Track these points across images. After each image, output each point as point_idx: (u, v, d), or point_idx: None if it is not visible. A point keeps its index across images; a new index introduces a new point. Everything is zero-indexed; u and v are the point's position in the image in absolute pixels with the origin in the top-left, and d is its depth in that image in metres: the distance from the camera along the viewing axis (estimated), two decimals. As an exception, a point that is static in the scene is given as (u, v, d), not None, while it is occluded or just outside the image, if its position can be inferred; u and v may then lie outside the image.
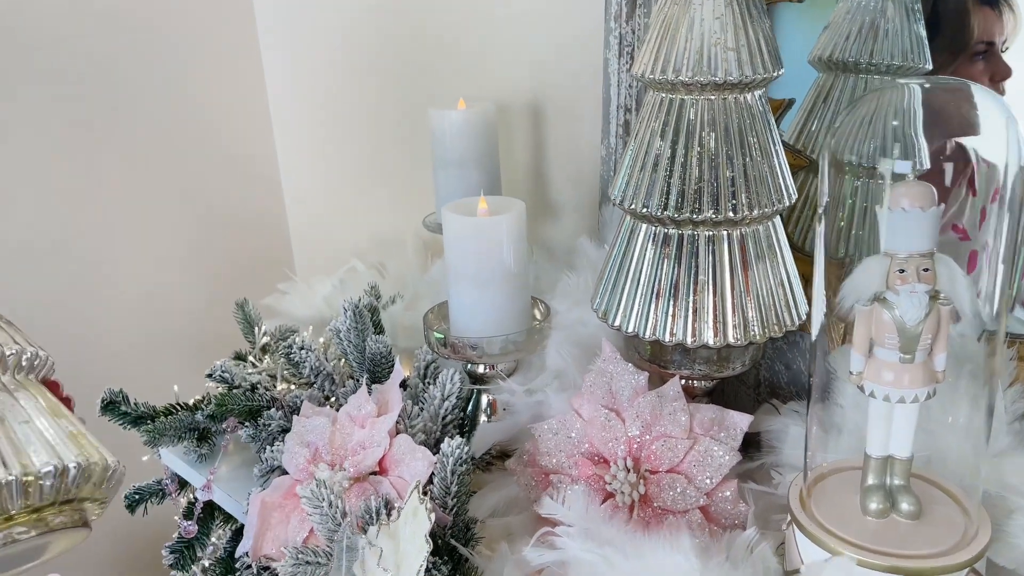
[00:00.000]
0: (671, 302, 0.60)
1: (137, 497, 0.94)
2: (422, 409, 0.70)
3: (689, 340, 0.60)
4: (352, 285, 1.04)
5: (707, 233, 0.59)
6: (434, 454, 0.68)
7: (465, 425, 0.74)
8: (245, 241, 1.37)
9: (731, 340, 0.59)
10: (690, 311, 0.60)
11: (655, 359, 0.66)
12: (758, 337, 0.60)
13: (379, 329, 0.82)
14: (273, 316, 1.11)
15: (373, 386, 0.70)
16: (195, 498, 0.89)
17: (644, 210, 0.60)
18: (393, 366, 0.75)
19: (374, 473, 0.65)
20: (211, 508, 0.91)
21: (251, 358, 1.01)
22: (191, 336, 1.28)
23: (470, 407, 0.74)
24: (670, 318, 0.60)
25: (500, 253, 0.67)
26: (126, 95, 1.23)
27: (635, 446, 0.63)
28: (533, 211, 0.99)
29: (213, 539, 0.95)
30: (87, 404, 0.90)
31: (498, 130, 0.89)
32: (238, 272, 1.35)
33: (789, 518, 0.52)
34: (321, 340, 0.95)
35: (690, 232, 0.59)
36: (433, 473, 0.61)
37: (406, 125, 1.14)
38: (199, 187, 1.32)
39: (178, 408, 0.92)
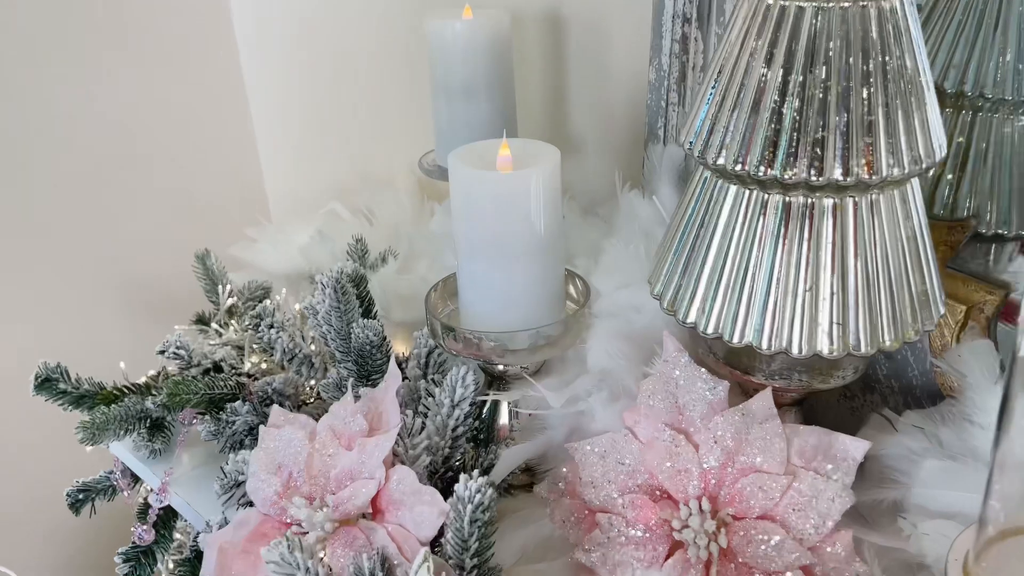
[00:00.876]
0: (772, 296, 0.44)
1: (82, 496, 0.79)
2: (425, 418, 0.55)
3: (797, 350, 0.43)
4: (334, 237, 0.86)
5: (829, 201, 0.42)
6: (444, 480, 0.52)
7: (481, 437, 0.59)
8: (206, 177, 1.18)
9: (854, 348, 0.43)
10: (799, 309, 0.43)
11: (735, 362, 0.50)
12: (889, 343, 0.44)
13: (367, 305, 0.65)
14: (241, 268, 0.94)
15: (363, 390, 0.54)
16: (149, 503, 0.74)
17: (737, 167, 0.42)
18: (387, 358, 0.59)
19: (366, 515, 0.50)
20: (172, 510, 0.76)
21: (215, 324, 0.84)
22: (142, 295, 1.11)
23: (486, 412, 0.58)
24: (769, 319, 0.44)
25: (528, 219, 0.50)
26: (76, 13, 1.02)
27: (713, 482, 0.47)
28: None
29: (178, 536, 0.80)
30: (20, 380, 0.75)
31: (512, 47, 0.70)
32: (197, 214, 1.16)
33: (945, 606, 0.37)
34: (297, 307, 0.79)
35: (803, 199, 0.42)
36: (446, 523, 0.46)
37: (398, 39, 0.94)
38: (147, 107, 1.11)
39: (124, 391, 0.76)
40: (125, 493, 0.79)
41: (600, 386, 0.52)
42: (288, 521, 0.51)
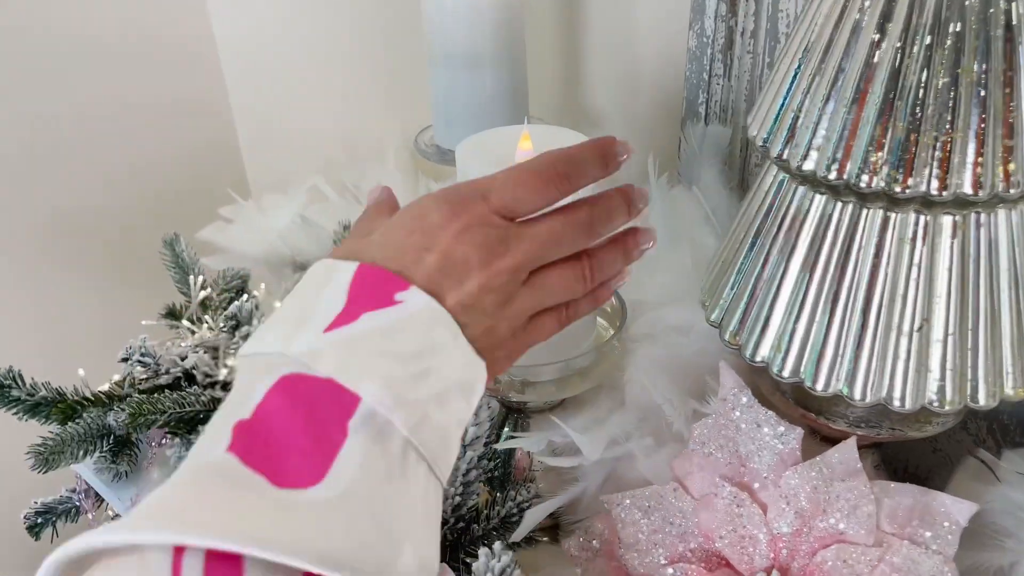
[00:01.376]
0: (869, 335, 0.35)
1: (41, 520, 0.70)
2: (432, 462, 0.46)
3: (899, 401, 0.35)
4: (317, 221, 0.76)
5: (948, 219, 0.33)
6: (452, 531, 0.44)
7: (495, 475, 0.50)
8: (175, 149, 1.07)
9: (972, 399, 0.35)
10: (903, 352, 0.35)
11: (809, 403, 0.41)
12: (1012, 392, 0.35)
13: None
14: (215, 253, 0.84)
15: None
16: (115, 533, 0.65)
17: (831, 175, 0.33)
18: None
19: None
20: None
21: (186, 322, 0.75)
22: (105, 285, 1.00)
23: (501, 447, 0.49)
24: (866, 362, 0.35)
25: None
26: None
27: (785, 552, 0.39)
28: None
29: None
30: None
31: (524, 7, 0.60)
32: (165, 191, 1.05)
33: None
34: (278, 305, 0.69)
35: (915, 216, 0.33)
36: (462, 610, 0.37)
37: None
38: (108, 70, 1.00)
39: (84, 403, 0.67)
40: (90, 515, 0.71)
41: (641, 427, 0.43)
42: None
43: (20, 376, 0.66)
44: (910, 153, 0.32)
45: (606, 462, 0.44)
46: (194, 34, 1.04)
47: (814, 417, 0.41)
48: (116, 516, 0.66)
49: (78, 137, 0.96)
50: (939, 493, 0.39)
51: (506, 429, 0.49)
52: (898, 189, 0.32)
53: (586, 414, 0.45)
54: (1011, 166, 0.31)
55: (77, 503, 0.72)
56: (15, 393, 0.66)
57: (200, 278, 0.78)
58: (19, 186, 0.94)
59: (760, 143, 0.36)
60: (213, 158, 1.10)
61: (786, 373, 0.37)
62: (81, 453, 0.64)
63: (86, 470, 0.68)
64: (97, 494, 0.71)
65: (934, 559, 0.38)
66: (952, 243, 0.34)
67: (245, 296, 0.75)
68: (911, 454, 0.51)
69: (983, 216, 0.33)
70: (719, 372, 0.42)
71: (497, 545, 0.37)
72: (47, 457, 0.61)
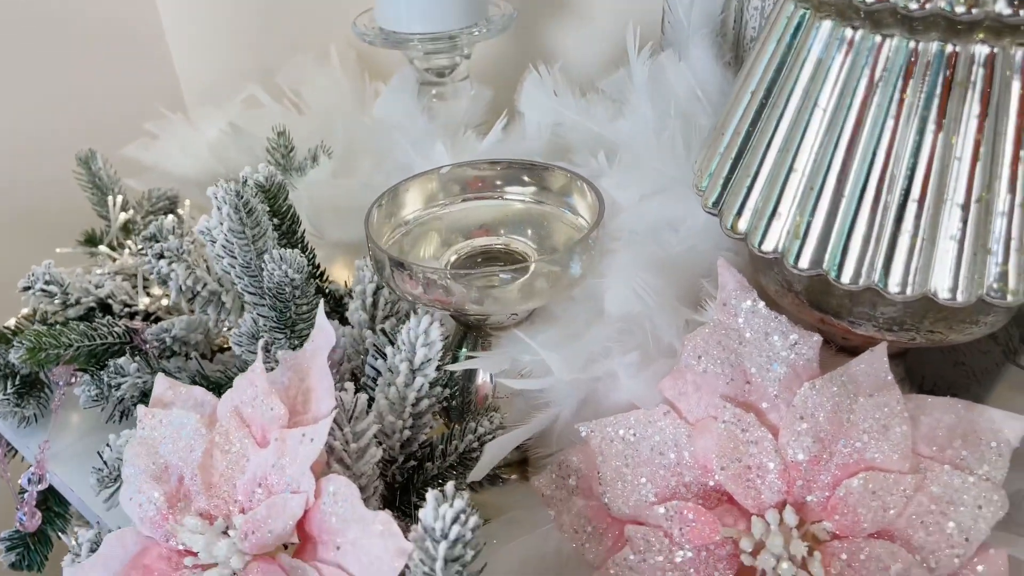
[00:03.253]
0: (909, 212, 0.27)
1: (-58, 472, 0.62)
2: (375, 390, 0.38)
3: (949, 293, 0.28)
4: (249, 129, 0.67)
5: (984, 50, 0.25)
6: (402, 472, 0.37)
7: (452, 406, 0.43)
8: (96, 54, 0.95)
9: (1039, 289, 0.27)
10: (967, 233, 0.27)
11: (826, 304, 0.34)
12: (1090, 278, 0.28)
13: (290, 224, 0.48)
14: (141, 173, 0.75)
15: (281, 354, 0.37)
16: (23, 486, 0.58)
17: (870, -3, 0.25)
18: (314, 301, 0.42)
19: (289, 545, 0.34)
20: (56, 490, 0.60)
21: (104, 248, 0.66)
22: (15, 211, 0.90)
23: (459, 373, 0.42)
24: (906, 246, 0.28)
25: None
26: None
27: (800, 483, 0.32)
28: (537, 4, 0.62)
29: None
30: None
31: None
32: (84, 103, 0.94)
33: None
34: (206, 224, 0.60)
35: (970, 47, 0.26)
36: (407, 567, 0.30)
37: None
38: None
39: (-21, 341, 0.58)
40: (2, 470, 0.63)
41: (624, 341, 0.36)
42: (179, 549, 0.35)
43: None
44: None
45: (582, 383, 0.36)
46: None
47: (834, 321, 0.34)
48: (29, 468, 0.58)
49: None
50: (987, 408, 0.32)
51: (463, 350, 0.41)
52: (915, 7, 0.24)
53: (558, 328, 0.37)
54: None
55: (-18, 453, 0.64)
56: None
57: (120, 198, 0.69)
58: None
59: (774, -33, 0.28)
60: (144, 73, 0.99)
61: (805, 264, 0.30)
62: (-25, 395, 0.55)
63: (-10, 415, 0.60)
64: (8, 442, 0.63)
65: (981, 486, 0.31)
66: (988, 82, 0.26)
67: (172, 215, 0.66)
68: (928, 368, 0.44)
69: (1054, 46, 0.26)
70: (717, 272, 0.34)
71: (449, 487, 0.29)
72: (-66, 398, 0.53)
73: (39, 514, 0.60)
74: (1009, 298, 0.27)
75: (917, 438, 0.32)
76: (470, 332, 0.41)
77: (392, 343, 0.39)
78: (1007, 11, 0.24)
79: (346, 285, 0.53)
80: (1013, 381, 0.37)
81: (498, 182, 0.43)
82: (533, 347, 0.36)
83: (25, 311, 0.61)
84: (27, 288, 0.57)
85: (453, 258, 0.41)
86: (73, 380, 0.55)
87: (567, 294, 0.37)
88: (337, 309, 0.52)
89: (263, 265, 0.42)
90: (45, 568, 0.61)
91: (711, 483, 0.34)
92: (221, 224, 0.42)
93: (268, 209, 0.47)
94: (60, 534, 0.62)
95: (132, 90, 0.97)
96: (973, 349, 0.43)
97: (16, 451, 0.64)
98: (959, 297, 0.28)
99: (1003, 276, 0.27)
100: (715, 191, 0.33)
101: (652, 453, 0.34)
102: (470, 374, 0.42)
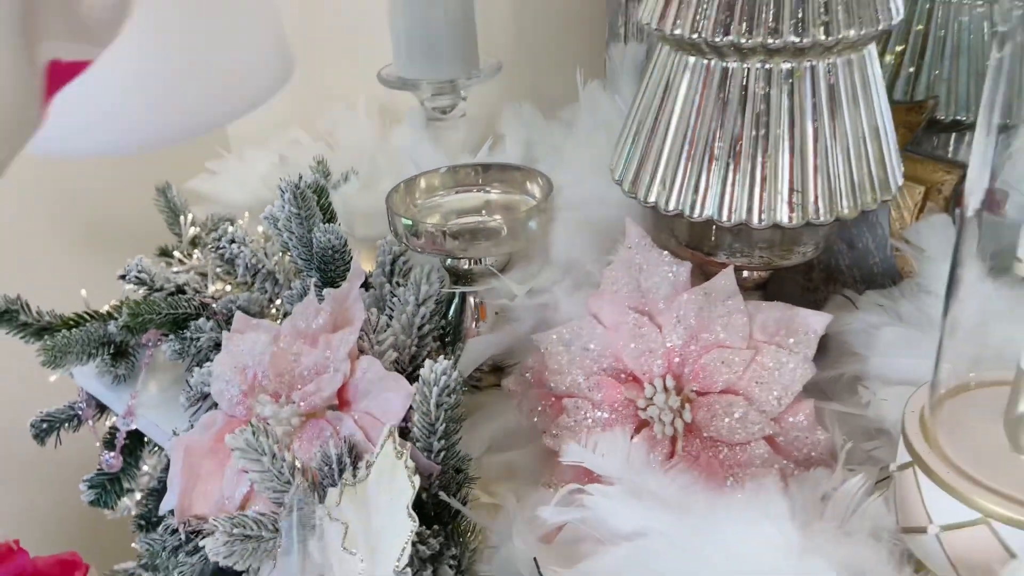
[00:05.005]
0: (731, 167, 0.44)
1: (46, 425, 0.77)
2: (391, 318, 0.54)
3: (756, 219, 0.44)
4: (295, 161, 0.85)
5: (785, 66, 0.42)
6: (411, 379, 0.52)
7: (447, 336, 0.58)
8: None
9: (813, 217, 0.44)
10: (758, 178, 0.43)
11: (697, 244, 0.50)
12: (847, 211, 0.44)
13: (329, 215, 0.65)
14: (203, 202, 0.93)
15: (326, 291, 0.53)
16: (116, 427, 0.73)
17: (693, 35, 0.42)
18: (350, 262, 0.59)
19: (333, 407, 0.49)
20: (139, 436, 0.75)
21: (177, 254, 0.83)
22: (104, 228, 1.09)
23: (452, 312, 0.58)
24: (729, 189, 0.44)
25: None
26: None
27: (677, 360, 0.48)
28: (517, 58, 0.80)
29: (146, 468, 0.80)
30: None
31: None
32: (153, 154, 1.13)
33: (903, 455, 0.38)
34: (260, 230, 0.78)
35: (760, 66, 0.42)
36: (411, 407, 0.46)
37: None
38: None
39: (86, 318, 0.74)
40: (90, 422, 0.78)
41: (564, 276, 0.52)
42: (255, 417, 0.51)
43: (27, 304, 0.74)
44: (751, 9, 0.41)
45: (535, 308, 0.52)
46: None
47: (701, 255, 0.50)
48: (115, 420, 0.74)
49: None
50: (801, 308, 0.47)
51: (455, 288, 0.57)
52: (743, 42, 0.41)
53: (519, 271, 0.53)
54: (826, 19, 0.40)
55: (78, 412, 0.79)
56: (23, 318, 0.74)
57: (190, 216, 0.87)
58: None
59: (644, 19, 0.45)
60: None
61: (671, 207, 0.46)
62: (85, 357, 0.71)
63: (88, 378, 0.76)
64: (97, 403, 0.79)
65: (796, 358, 0.46)
66: (790, 85, 0.42)
67: (228, 225, 0.83)
68: (791, 299, 0.59)
69: (814, 64, 0.42)
70: (626, 228, 0.50)
71: (440, 359, 0.45)
72: (55, 355, 0.69)
73: (121, 458, 0.76)
74: (795, 222, 0.43)
75: (754, 328, 0.47)
76: (460, 279, 0.57)
77: (404, 285, 0.55)
78: (771, 42, 0.41)
79: (369, 271, 0.69)
80: (836, 302, 0.52)
81: (481, 179, 0.60)
82: (504, 280, 0.52)
83: (115, 301, 0.78)
84: (123, 276, 0.74)
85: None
86: (159, 342, 0.71)
87: (524, 246, 0.54)
88: (361, 286, 0.68)
89: (313, 237, 0.58)
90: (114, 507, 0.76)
91: (620, 366, 0.49)
92: (284, 207, 0.59)
93: (316, 201, 0.64)
94: (130, 480, 0.77)
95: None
96: (825, 286, 0.58)
97: (103, 411, 0.79)
98: (763, 221, 0.44)
99: (792, 210, 0.43)
100: (619, 169, 0.49)
101: (581, 349, 0.50)
102: (460, 314, 0.58)
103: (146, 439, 0.76)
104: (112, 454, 0.75)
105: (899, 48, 0.61)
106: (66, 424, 0.79)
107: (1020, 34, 0.30)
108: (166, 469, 0.72)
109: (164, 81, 0.39)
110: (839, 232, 0.59)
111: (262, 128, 1.13)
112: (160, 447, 0.76)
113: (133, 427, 0.71)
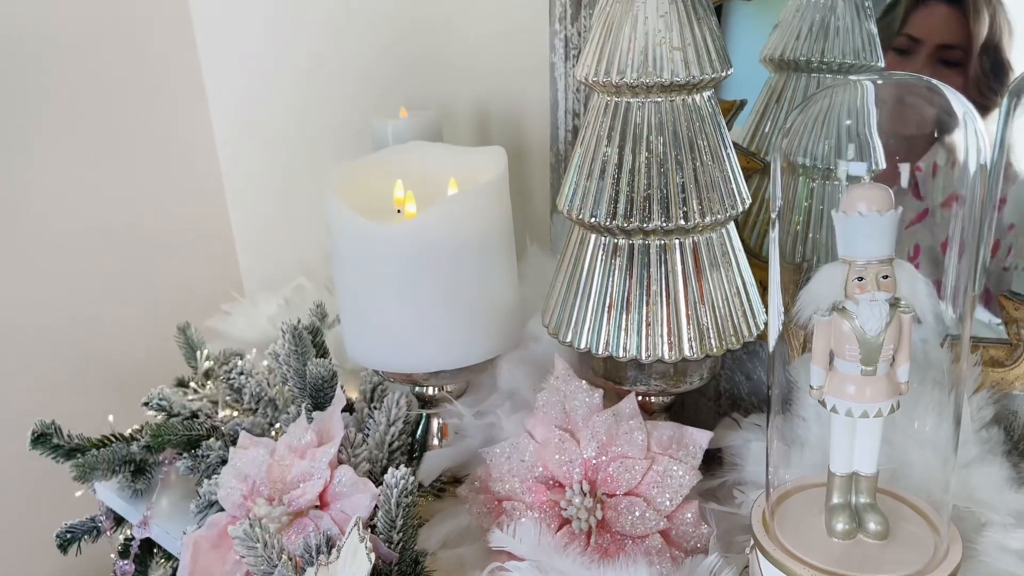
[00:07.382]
0: (623, 315, 0.57)
1: (69, 535, 0.88)
2: (367, 436, 0.67)
3: (643, 355, 0.57)
4: (298, 304, 0.99)
5: (658, 242, 0.56)
6: (380, 484, 0.64)
7: (414, 451, 0.70)
8: (187, 258, 1.32)
9: (687, 353, 0.57)
10: (643, 324, 0.57)
11: (610, 376, 0.63)
12: (715, 349, 0.57)
13: (322, 351, 0.78)
14: (217, 339, 1.07)
15: (315, 413, 0.66)
16: (132, 535, 0.84)
17: (593, 220, 0.57)
18: (334, 394, 0.71)
19: (316, 507, 0.61)
20: (150, 545, 0.86)
21: (193, 384, 0.96)
22: (129, 362, 1.23)
23: (419, 432, 0.70)
24: (623, 332, 0.57)
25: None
26: (54, 103, 1.17)
27: (591, 468, 0.60)
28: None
29: (155, 576, 0.90)
30: (17, 437, 0.85)
31: (443, 139, 0.86)
32: (180, 292, 1.30)
33: (752, 541, 0.49)
34: (265, 363, 0.91)
35: (640, 241, 0.57)
36: (377, 506, 0.57)
37: (349, 134, 1.10)
38: (134, 197, 1.26)
39: (112, 439, 0.87)
40: (108, 533, 0.89)
41: (506, 402, 0.65)
42: (252, 517, 0.62)
43: (59, 428, 0.87)
44: (631, 203, 0.55)
45: (484, 427, 0.65)
46: (207, 178, 1.32)
47: (613, 384, 0.62)
48: (131, 529, 0.84)
49: (114, 252, 1.21)
50: (689, 427, 0.60)
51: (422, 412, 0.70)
52: (626, 226, 0.55)
53: (471, 397, 0.66)
54: (684, 208, 0.55)
55: (98, 524, 0.90)
56: (55, 441, 0.86)
57: (205, 351, 1.00)
58: (64, 293, 1.17)
59: (561, 206, 0.60)
60: (215, 269, 1.35)
61: (581, 346, 0.59)
62: (109, 473, 0.83)
63: (109, 492, 0.87)
64: (115, 516, 0.90)
65: (684, 467, 0.58)
66: (661, 256, 0.56)
67: (238, 359, 0.96)
68: (704, 421, 0.71)
69: (681, 240, 0.56)
70: (555, 363, 0.63)
71: (402, 467, 0.57)
72: (85, 471, 0.81)
73: (134, 566, 0.86)
74: (670, 358, 0.56)
75: (651, 442, 0.59)
76: (425, 404, 0.70)
77: (379, 408, 0.67)
78: (665, 225, 0.55)
79: (355, 398, 0.82)
80: (725, 423, 0.65)
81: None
82: (456, 404, 0.64)
83: (136, 426, 0.90)
84: (147, 403, 0.87)
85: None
86: (175, 460, 0.83)
87: (478, 376, 0.67)
88: (345, 408, 0.80)
89: (307, 370, 0.71)
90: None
91: (547, 473, 0.61)
92: (284, 346, 0.72)
93: (311, 340, 0.77)
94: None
95: (209, 282, 1.32)
96: (727, 409, 0.70)
97: (121, 523, 0.90)
98: (642, 356, 0.57)
99: (670, 348, 0.56)
100: (546, 314, 0.63)
101: (518, 461, 0.62)
102: (425, 434, 0.70)
103: (155, 549, 0.87)
104: (126, 562, 0.85)
105: (797, 218, 0.76)
106: (86, 536, 0.89)
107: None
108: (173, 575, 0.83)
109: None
110: (738, 366, 0.72)
111: (273, 276, 1.29)
112: (167, 557, 0.86)
113: (147, 535, 0.82)
